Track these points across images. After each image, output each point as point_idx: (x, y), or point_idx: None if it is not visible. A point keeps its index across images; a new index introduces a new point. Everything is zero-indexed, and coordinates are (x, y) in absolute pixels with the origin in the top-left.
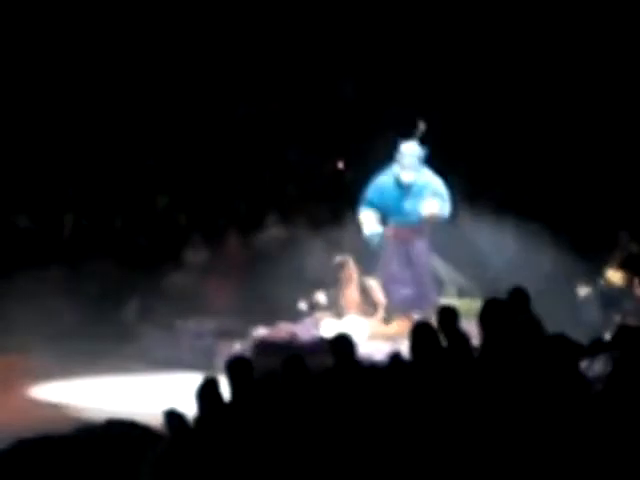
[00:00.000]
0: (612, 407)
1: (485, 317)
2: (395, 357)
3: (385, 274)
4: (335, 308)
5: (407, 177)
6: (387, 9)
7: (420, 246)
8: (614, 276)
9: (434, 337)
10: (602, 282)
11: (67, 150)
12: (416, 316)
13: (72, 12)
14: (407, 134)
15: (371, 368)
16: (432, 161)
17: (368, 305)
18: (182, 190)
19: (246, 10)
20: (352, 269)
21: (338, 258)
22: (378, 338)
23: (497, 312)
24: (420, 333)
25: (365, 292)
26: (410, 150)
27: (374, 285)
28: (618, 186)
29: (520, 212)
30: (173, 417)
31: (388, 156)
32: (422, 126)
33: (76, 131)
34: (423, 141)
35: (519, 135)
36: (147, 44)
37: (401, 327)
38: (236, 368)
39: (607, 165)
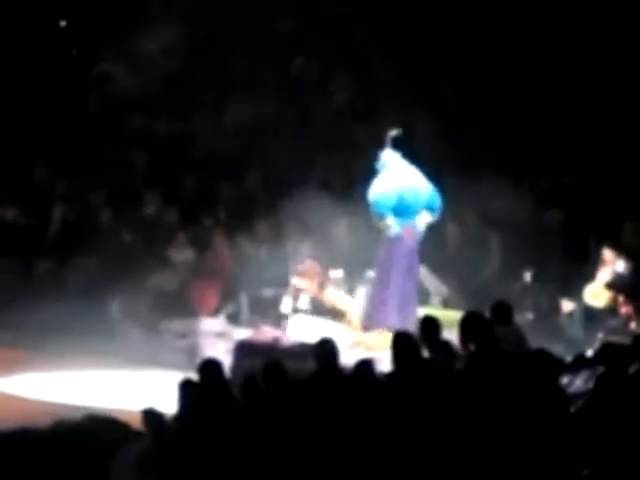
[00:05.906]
0: (592, 423)
1: (465, 330)
2: (362, 364)
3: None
4: (317, 313)
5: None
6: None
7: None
8: (598, 294)
9: (415, 348)
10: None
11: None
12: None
13: None
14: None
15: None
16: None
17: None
18: (174, 188)
19: None
20: (316, 273)
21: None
22: (359, 347)
23: (477, 325)
24: (401, 343)
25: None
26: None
27: (334, 292)
28: (605, 205)
29: (503, 225)
30: (150, 415)
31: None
32: (393, 133)
33: None
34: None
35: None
36: None
37: (382, 338)
38: (207, 370)
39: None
